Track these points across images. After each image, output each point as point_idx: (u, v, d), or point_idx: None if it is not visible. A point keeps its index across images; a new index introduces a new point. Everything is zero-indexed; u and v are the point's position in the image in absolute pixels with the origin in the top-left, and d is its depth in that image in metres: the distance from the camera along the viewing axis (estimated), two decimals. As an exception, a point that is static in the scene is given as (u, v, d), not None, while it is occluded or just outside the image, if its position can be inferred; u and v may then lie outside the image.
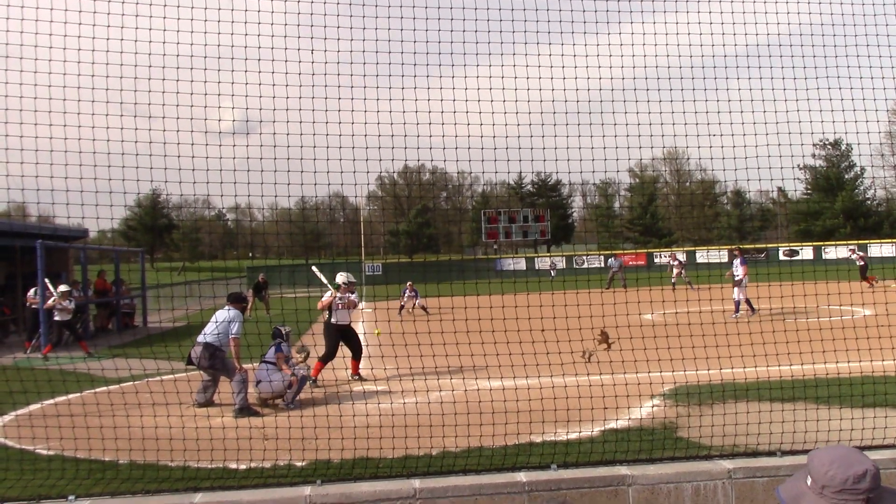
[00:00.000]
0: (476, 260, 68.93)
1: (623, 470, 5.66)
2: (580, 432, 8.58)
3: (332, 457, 7.70)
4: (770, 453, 5.90)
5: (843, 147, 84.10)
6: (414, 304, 30.31)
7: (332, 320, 14.13)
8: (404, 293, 31.34)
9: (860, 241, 61.80)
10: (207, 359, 11.61)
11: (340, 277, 14.50)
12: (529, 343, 8.61)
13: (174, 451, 7.84)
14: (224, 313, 11.98)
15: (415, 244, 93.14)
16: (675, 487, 5.56)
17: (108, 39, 7.15)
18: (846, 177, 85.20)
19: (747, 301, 23.10)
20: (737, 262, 23.43)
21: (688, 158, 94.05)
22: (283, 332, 12.77)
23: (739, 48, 8.25)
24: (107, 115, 7.17)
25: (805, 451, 5.57)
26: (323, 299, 14.28)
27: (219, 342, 11.74)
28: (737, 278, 23.13)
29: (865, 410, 7.68)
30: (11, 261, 28.22)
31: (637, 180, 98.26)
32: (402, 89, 7.47)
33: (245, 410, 11.19)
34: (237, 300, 12.41)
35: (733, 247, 30.28)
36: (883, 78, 8.35)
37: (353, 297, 14.47)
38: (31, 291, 22.34)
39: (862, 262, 34.18)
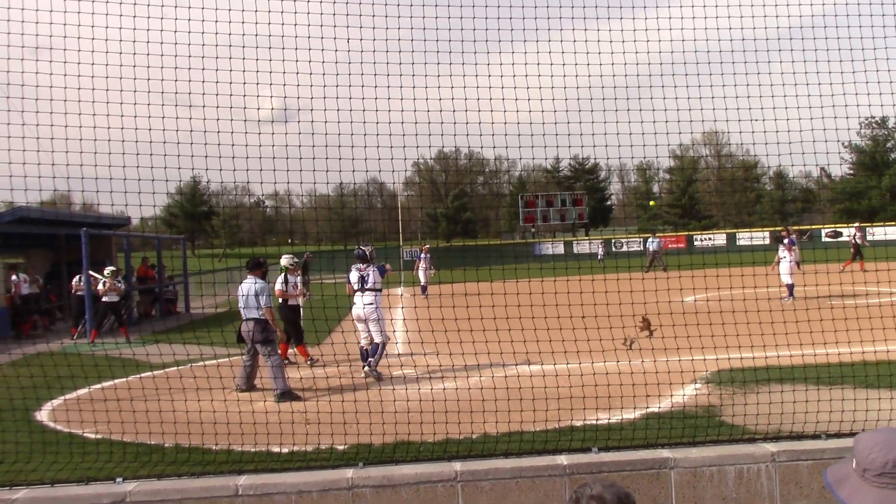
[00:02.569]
0: (514, 245, 68.79)
1: (665, 453, 5.64)
2: (622, 416, 8.56)
3: (374, 440, 7.77)
4: (815, 436, 5.84)
5: (891, 125, 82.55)
6: (427, 278, 30.65)
7: (290, 303, 14.80)
8: (420, 258, 31.55)
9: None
10: (260, 332, 11.79)
11: (285, 260, 15.07)
12: (570, 329, 8.60)
13: (218, 435, 7.96)
14: (249, 285, 12.09)
15: (452, 229, 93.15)
16: (718, 470, 5.52)
17: (148, 30, 7.23)
18: (893, 156, 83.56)
19: (789, 286, 22.78)
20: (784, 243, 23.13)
21: (727, 141, 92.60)
22: (368, 252, 13.13)
23: (782, 29, 8.10)
24: (148, 104, 7.28)
25: (851, 435, 5.51)
26: (277, 288, 14.79)
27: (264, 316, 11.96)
28: (784, 260, 22.80)
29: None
30: (57, 249, 28.75)
31: (676, 163, 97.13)
32: (437, 77, 7.45)
33: (287, 395, 11.31)
34: (256, 266, 12.54)
35: (780, 228, 29.85)
36: None
37: (297, 279, 14.97)
38: (76, 279, 22.76)
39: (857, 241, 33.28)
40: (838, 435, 5.72)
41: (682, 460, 5.55)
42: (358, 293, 13.01)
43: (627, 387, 8.27)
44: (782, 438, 5.82)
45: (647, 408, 9.05)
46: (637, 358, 9.11)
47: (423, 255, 31.57)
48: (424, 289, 30.64)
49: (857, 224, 37.83)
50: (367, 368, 12.62)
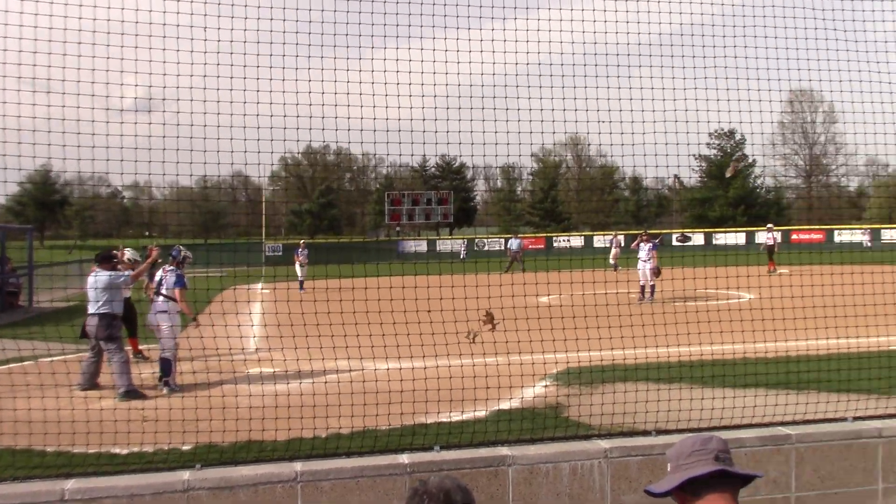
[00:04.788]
0: (378, 242, 68.82)
1: (504, 450, 5.75)
2: (466, 413, 8.68)
3: (219, 440, 7.57)
4: (645, 433, 6.09)
5: (738, 137, 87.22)
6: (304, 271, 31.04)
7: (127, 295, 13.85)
8: (297, 253, 32.12)
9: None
10: (105, 328, 11.21)
11: (129, 253, 14.45)
12: (427, 324, 8.64)
13: (54, 436, 7.57)
14: (96, 279, 11.53)
15: (317, 225, 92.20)
16: (554, 467, 5.68)
17: (6, 12, 6.82)
18: (740, 165, 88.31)
19: (643, 287, 23.98)
20: (645, 247, 24.36)
21: (589, 145, 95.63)
22: (181, 255, 12.41)
23: (642, 36, 8.40)
24: (3, 89, 6.83)
25: (679, 431, 5.78)
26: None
27: (112, 310, 11.38)
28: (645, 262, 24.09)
29: (737, 391, 8.00)
30: None
31: (540, 165, 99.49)
32: (308, 69, 7.35)
33: (131, 393, 10.91)
34: (106, 259, 11.97)
35: (641, 231, 31.40)
36: (778, 69, 8.67)
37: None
38: None
39: (771, 242, 35.60)
40: (667, 431, 5.99)
41: (521, 458, 5.68)
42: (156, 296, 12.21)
43: (479, 381, 8.36)
44: (615, 435, 6.03)
45: (495, 405, 9.21)
46: (484, 352, 9.26)
47: (300, 251, 32.02)
48: (302, 284, 30.63)
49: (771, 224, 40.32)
50: (164, 389, 11.54)
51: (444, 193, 72.09)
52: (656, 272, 23.65)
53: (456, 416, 8.82)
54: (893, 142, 7.90)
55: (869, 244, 55.69)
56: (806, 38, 8.51)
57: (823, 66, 8.62)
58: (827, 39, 8.44)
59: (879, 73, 8.25)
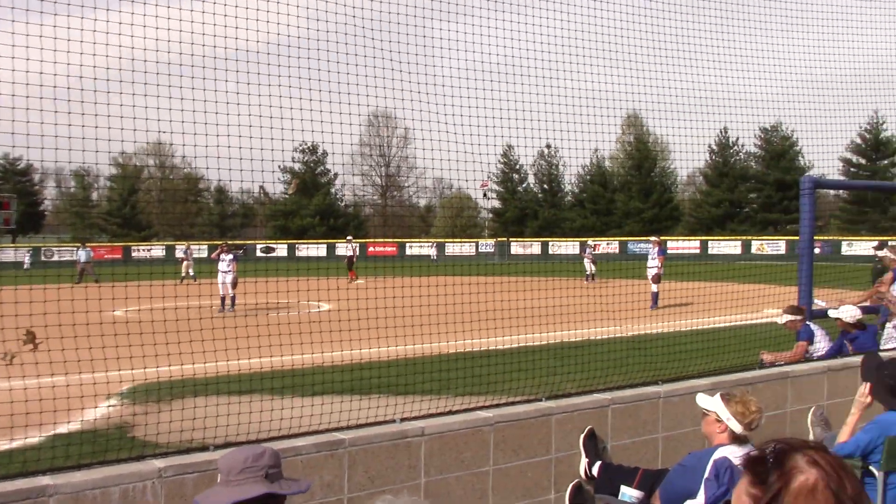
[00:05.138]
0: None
1: (45, 480, 5.23)
2: (16, 441, 7.88)
3: None
4: (203, 448, 5.96)
5: (320, 153, 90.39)
6: None
7: None
8: None
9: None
10: None
11: None
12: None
13: None
14: None
15: None
16: (102, 492, 5.31)
17: None
18: (322, 180, 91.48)
19: (223, 298, 24.19)
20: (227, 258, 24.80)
21: (174, 154, 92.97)
22: None
23: (241, 46, 8.21)
24: None
25: (240, 443, 5.72)
26: None
27: None
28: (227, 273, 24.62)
29: (304, 399, 8.18)
30: None
31: (119, 170, 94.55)
32: None
33: None
34: None
35: (222, 242, 31.49)
36: (366, 95, 9.04)
37: None
38: None
39: (350, 254, 37.79)
40: (227, 444, 5.90)
41: (64, 486, 5.21)
42: None
43: (38, 405, 7.56)
44: (172, 453, 5.81)
45: (49, 430, 8.47)
46: (36, 373, 8.37)
47: None
48: None
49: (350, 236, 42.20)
50: None
51: (5, 197, 65.62)
52: (235, 283, 24.06)
53: (4, 446, 7.94)
54: (456, 166, 8.81)
55: (435, 258, 60.91)
56: (392, 69, 8.97)
57: (400, 94, 9.20)
58: (408, 72, 9.00)
59: (445, 105, 8.98)
